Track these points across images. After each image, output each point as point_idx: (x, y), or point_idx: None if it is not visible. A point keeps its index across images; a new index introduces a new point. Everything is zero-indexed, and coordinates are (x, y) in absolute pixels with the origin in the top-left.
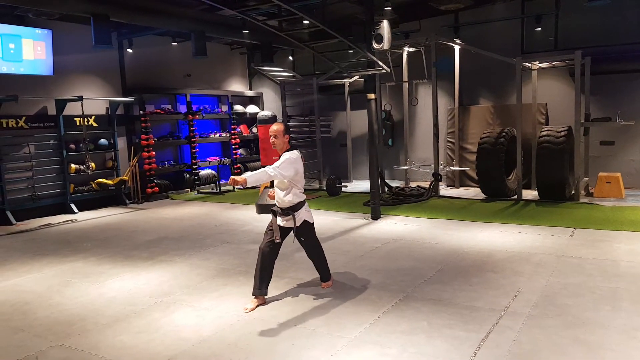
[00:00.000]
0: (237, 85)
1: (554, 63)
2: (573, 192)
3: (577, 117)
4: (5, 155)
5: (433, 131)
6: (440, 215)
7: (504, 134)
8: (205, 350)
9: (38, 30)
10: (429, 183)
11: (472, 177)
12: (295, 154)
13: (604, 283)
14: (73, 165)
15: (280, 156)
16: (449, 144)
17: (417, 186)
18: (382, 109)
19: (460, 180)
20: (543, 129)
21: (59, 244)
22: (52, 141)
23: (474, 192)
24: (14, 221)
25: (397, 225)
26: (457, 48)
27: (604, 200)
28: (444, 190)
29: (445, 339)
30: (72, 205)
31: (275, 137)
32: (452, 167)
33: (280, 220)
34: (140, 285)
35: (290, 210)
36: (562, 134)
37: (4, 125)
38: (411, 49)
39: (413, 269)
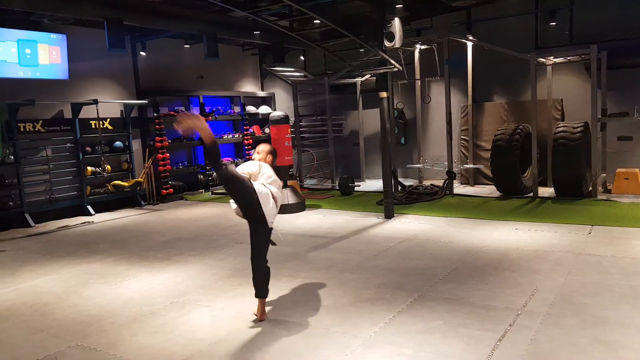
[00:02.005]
0: (249, 86)
1: (569, 58)
2: (590, 188)
3: (594, 112)
4: (23, 159)
5: (446, 129)
6: (455, 214)
7: (518, 130)
8: (221, 350)
9: (53, 35)
10: (442, 181)
11: (486, 175)
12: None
13: (623, 281)
14: (89, 168)
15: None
16: (463, 142)
17: (431, 184)
18: (395, 107)
19: (474, 178)
20: (559, 125)
21: (76, 245)
22: (68, 144)
23: (488, 190)
24: (32, 223)
25: (410, 224)
26: (469, 45)
27: (622, 197)
28: (458, 188)
29: (461, 339)
30: (89, 207)
31: (258, 153)
32: (466, 165)
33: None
34: (156, 285)
35: None
36: (579, 129)
37: (22, 130)
38: (423, 47)
39: (428, 268)
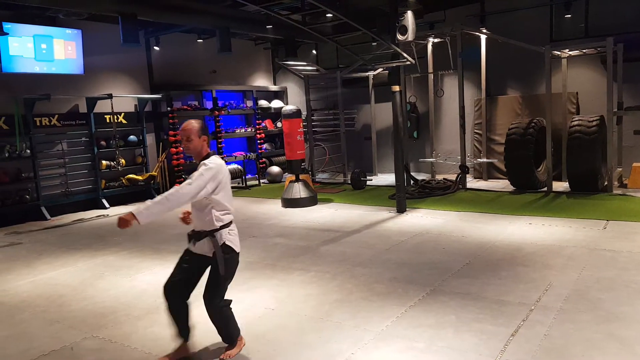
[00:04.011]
0: (261, 81)
1: (584, 51)
2: (606, 183)
3: (610, 105)
4: (40, 153)
5: (459, 122)
6: (468, 208)
7: (533, 124)
8: None
9: (68, 31)
10: (455, 175)
11: (500, 169)
12: (216, 161)
13: (638, 277)
14: (104, 162)
15: (198, 165)
16: (476, 136)
17: (444, 179)
18: (407, 101)
19: (488, 172)
20: (574, 119)
21: (91, 238)
22: (83, 138)
23: (502, 185)
24: (48, 216)
25: (423, 219)
26: (483, 37)
27: (638, 192)
28: (472, 182)
29: (474, 333)
30: (104, 201)
31: (187, 139)
32: (479, 159)
33: (192, 245)
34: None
35: (205, 234)
36: (594, 123)
37: (38, 124)
38: (436, 40)
39: (440, 262)
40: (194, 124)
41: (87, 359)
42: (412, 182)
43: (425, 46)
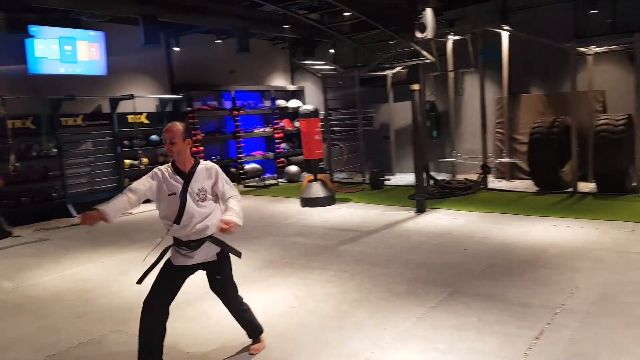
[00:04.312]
0: (279, 80)
1: (611, 47)
2: (634, 183)
3: (638, 103)
4: (66, 152)
5: (481, 122)
6: (490, 209)
7: (557, 123)
8: None
9: (92, 33)
10: (477, 175)
11: (523, 169)
12: (212, 164)
13: None
14: (127, 161)
15: (188, 171)
16: (498, 135)
17: (465, 179)
18: (427, 99)
19: (510, 172)
20: (600, 118)
21: (116, 235)
22: (107, 138)
23: (525, 185)
24: (74, 214)
25: (443, 219)
26: (505, 35)
27: None
28: (493, 182)
29: (497, 336)
30: None
31: (171, 142)
32: (501, 159)
33: (180, 258)
34: (191, 275)
35: (206, 238)
36: (622, 122)
37: (64, 124)
38: (456, 38)
39: (461, 263)
40: (178, 126)
41: (113, 351)
42: (432, 182)
43: (445, 44)
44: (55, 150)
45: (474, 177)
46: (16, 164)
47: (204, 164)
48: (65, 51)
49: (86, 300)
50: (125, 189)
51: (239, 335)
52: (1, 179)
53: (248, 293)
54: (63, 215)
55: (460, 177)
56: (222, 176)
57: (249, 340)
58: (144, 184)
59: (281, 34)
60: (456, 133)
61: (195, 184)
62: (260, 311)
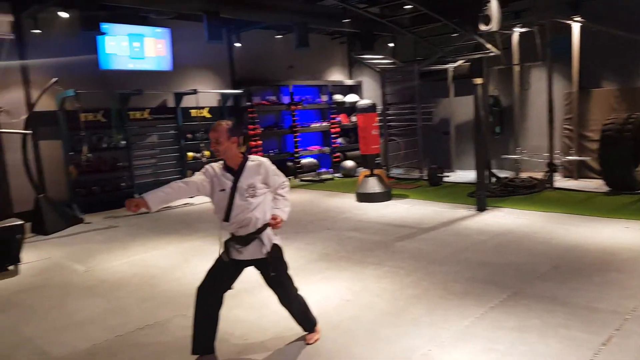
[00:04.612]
0: (337, 75)
1: None
2: None
3: None
4: (133, 144)
5: (547, 117)
6: (556, 209)
7: (631, 119)
8: None
9: (158, 29)
10: (542, 174)
11: (593, 168)
12: (261, 158)
13: None
14: (190, 153)
15: (237, 168)
16: (566, 131)
17: (529, 177)
18: (490, 94)
19: (579, 171)
20: None
21: (179, 224)
22: (171, 131)
23: (595, 185)
24: None
25: (505, 218)
26: (575, 26)
27: None
28: (560, 181)
29: (560, 340)
30: None
31: (217, 142)
32: (569, 157)
33: (233, 252)
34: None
35: (254, 235)
36: None
37: (132, 117)
38: (523, 30)
39: (524, 264)
40: (223, 125)
41: (177, 334)
42: (493, 179)
43: (510, 36)
44: (123, 142)
45: (539, 175)
46: (88, 155)
47: (252, 159)
48: (133, 47)
49: (151, 286)
50: (179, 180)
51: (294, 325)
52: (74, 169)
53: (303, 285)
54: None
55: (524, 175)
56: (271, 169)
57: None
58: (197, 178)
59: (340, 28)
60: (521, 129)
61: (244, 181)
62: (315, 303)
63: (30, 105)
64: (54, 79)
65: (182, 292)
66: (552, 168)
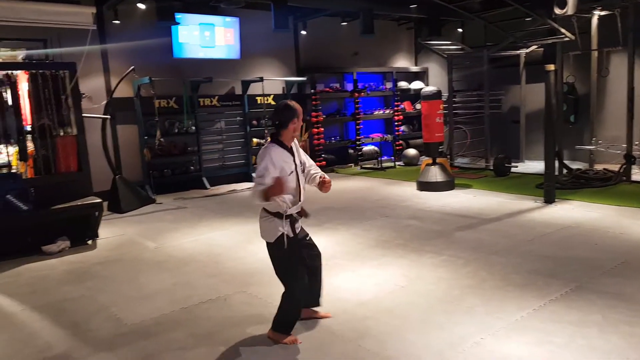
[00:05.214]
0: (402, 61)
1: None
2: None
3: None
4: (202, 130)
5: (627, 106)
6: (631, 203)
7: None
8: (363, 312)
9: (228, 19)
10: (618, 166)
11: None
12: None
13: None
14: (255, 140)
15: (290, 146)
16: None
17: (604, 169)
18: (564, 81)
19: None
20: None
21: (243, 207)
22: (238, 118)
23: None
24: (208, 186)
25: (574, 211)
26: None
27: None
28: (638, 174)
29: (622, 336)
30: (253, 175)
31: (299, 120)
32: None
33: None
34: None
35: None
36: None
37: (201, 104)
38: (603, 13)
39: (590, 259)
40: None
41: (237, 309)
42: (565, 171)
43: (589, 20)
44: (193, 127)
45: (615, 167)
46: (161, 139)
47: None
48: (204, 36)
49: (216, 263)
50: (260, 184)
51: (349, 307)
52: (148, 153)
53: (360, 269)
54: (198, 187)
55: (598, 167)
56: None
57: (359, 310)
58: (272, 173)
59: (407, 14)
60: (597, 118)
61: (297, 158)
62: (370, 287)
63: (109, 91)
64: (132, 67)
65: (244, 270)
66: (629, 160)
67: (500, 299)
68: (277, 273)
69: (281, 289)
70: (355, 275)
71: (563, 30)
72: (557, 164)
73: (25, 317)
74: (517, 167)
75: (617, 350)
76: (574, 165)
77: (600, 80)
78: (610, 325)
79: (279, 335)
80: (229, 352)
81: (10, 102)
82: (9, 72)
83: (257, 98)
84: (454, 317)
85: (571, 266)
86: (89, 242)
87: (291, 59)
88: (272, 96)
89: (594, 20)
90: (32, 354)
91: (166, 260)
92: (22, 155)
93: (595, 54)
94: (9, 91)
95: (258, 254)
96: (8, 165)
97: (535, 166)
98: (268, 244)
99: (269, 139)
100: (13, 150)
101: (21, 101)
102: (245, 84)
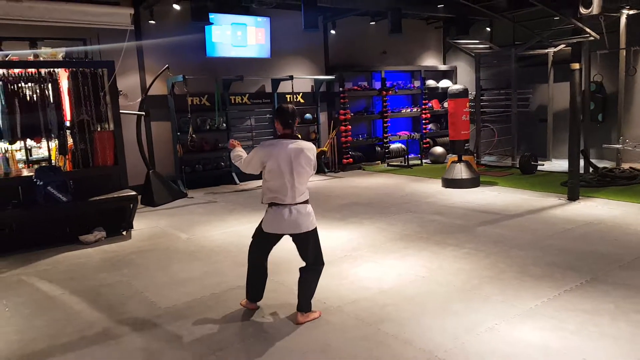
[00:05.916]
0: (430, 60)
1: None
2: None
3: None
4: (233, 127)
5: None
6: None
7: None
8: (384, 299)
9: (259, 19)
10: None
11: None
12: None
13: None
14: None
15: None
16: None
17: (630, 168)
18: (592, 80)
19: None
20: None
21: None
22: (267, 115)
23: None
24: (237, 181)
25: (597, 208)
26: None
27: None
28: None
29: (632, 323)
30: None
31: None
32: None
33: None
34: (333, 240)
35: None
36: None
37: (233, 102)
38: (631, 12)
39: (609, 253)
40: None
41: (264, 295)
42: (591, 169)
43: (618, 19)
44: (224, 125)
45: None
46: (193, 136)
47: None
48: (236, 36)
49: (244, 253)
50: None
51: (369, 294)
52: (181, 149)
53: (382, 260)
54: (228, 182)
55: (625, 165)
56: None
57: (380, 297)
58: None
59: (435, 13)
60: (625, 117)
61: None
62: (392, 277)
63: (144, 89)
64: (166, 66)
65: (270, 260)
66: None
67: (516, 289)
68: (311, 258)
69: None
70: (378, 266)
71: (587, 30)
72: (583, 162)
73: (65, 299)
74: (543, 165)
75: (627, 337)
76: (601, 164)
77: (628, 79)
78: (622, 314)
79: (308, 314)
80: (257, 332)
81: (51, 98)
82: (51, 69)
83: (286, 96)
84: (470, 304)
85: (589, 259)
86: (124, 232)
87: (320, 57)
88: (301, 94)
89: (623, 19)
90: (74, 332)
91: (197, 251)
92: (62, 149)
93: (623, 52)
94: (50, 88)
95: (286, 245)
96: (48, 159)
97: (562, 164)
98: (307, 232)
99: (299, 135)
100: (53, 145)
101: (62, 98)
102: (275, 82)
